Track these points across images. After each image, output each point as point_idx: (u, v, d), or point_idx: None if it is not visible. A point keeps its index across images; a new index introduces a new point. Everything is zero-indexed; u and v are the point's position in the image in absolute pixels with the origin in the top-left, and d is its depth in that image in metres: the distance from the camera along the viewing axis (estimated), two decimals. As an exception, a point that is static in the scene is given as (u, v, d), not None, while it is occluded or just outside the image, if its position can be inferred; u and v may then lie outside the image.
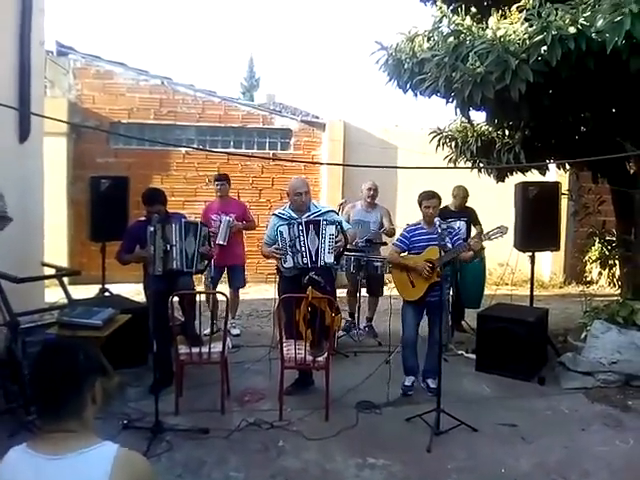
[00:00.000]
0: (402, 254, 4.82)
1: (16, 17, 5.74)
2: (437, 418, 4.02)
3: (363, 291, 6.32)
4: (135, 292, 6.70)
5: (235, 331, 6.31)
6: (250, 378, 5.01)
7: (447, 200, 6.43)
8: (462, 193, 6.43)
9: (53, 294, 6.43)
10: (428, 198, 4.75)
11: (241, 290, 6.46)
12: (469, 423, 4.06)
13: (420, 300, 4.71)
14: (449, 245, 4.45)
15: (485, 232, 4.88)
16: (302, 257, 4.60)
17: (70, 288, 5.73)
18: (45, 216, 6.98)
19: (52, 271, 5.97)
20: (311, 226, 4.63)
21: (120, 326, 4.38)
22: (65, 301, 5.37)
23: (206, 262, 5.06)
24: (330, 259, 4.61)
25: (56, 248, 8.04)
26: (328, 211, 4.96)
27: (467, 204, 6.52)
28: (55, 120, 6.20)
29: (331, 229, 4.61)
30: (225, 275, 6.32)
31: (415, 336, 4.81)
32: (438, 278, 4.56)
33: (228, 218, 5.86)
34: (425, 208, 4.75)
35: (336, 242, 4.62)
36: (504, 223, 4.75)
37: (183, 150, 9.48)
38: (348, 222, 5.77)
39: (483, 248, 6.31)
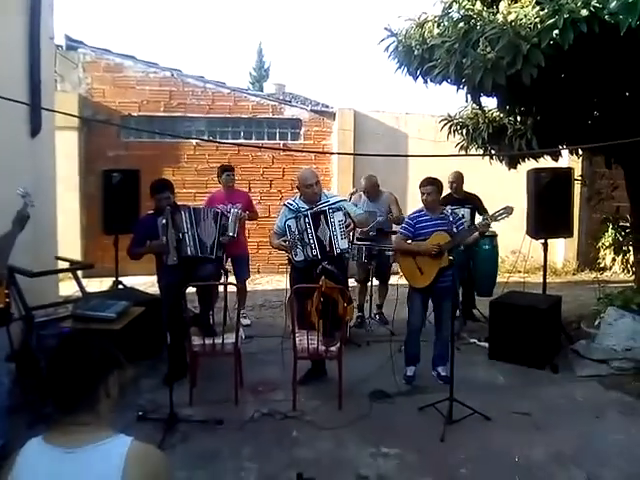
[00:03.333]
0: (408, 241, 4.82)
1: (25, 14, 5.76)
2: (450, 407, 4.02)
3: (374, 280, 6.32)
4: (149, 284, 6.74)
5: (246, 321, 6.34)
6: (263, 369, 5.03)
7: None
8: (457, 178, 6.39)
9: (67, 287, 6.51)
10: (423, 185, 4.77)
11: (254, 281, 6.47)
12: (482, 412, 4.06)
13: (428, 287, 4.69)
14: (454, 230, 4.58)
15: (491, 213, 4.88)
16: (311, 250, 4.61)
17: (84, 281, 5.81)
18: (58, 210, 7.05)
19: (66, 265, 6.05)
20: (322, 216, 4.63)
21: (134, 318, 4.41)
22: (79, 294, 5.44)
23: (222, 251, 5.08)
24: (345, 245, 4.67)
25: (70, 241, 8.12)
26: (339, 200, 4.93)
27: (470, 190, 6.48)
28: (66, 114, 6.24)
29: (339, 215, 4.63)
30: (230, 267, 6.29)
31: (421, 323, 4.81)
32: (448, 263, 4.54)
33: (236, 210, 5.73)
34: (421, 195, 4.78)
35: (347, 226, 4.65)
36: (516, 210, 4.70)
37: (194, 142, 9.49)
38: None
39: (495, 235, 6.30)
